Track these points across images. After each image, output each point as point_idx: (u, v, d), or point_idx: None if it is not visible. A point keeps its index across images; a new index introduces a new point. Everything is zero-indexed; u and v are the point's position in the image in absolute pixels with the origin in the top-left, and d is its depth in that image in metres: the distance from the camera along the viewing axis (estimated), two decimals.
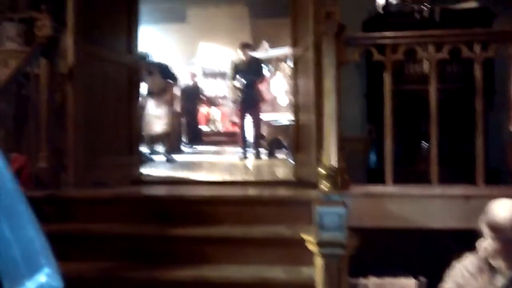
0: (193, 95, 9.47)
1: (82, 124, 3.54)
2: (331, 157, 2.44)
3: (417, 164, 4.07)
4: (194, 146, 9.38)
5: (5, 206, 0.92)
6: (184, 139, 9.83)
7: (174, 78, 7.08)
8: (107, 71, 3.86)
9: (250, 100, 7.10)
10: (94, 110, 3.67)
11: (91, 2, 3.64)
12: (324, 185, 2.35)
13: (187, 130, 9.61)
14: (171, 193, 3.59)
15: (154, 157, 6.87)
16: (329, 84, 2.68)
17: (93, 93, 3.67)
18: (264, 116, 7.57)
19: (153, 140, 6.94)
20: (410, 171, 3.82)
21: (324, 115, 2.67)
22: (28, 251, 0.92)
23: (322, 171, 2.38)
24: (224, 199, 3.18)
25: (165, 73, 6.86)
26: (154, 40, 7.02)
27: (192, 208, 3.07)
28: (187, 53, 11.90)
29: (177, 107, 9.33)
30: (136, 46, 4.19)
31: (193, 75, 10.02)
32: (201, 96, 10.21)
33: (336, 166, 2.39)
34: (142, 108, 6.62)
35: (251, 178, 4.61)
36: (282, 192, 3.50)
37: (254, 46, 8.15)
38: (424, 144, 3.97)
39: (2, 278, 0.90)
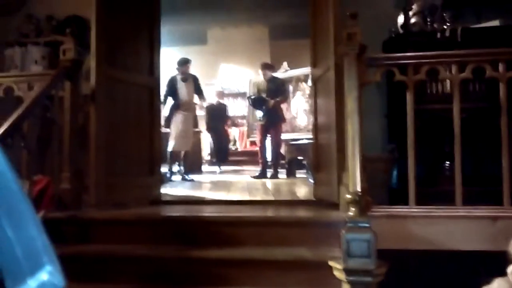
0: (219, 114, 9.19)
1: (103, 145, 3.57)
2: (355, 179, 2.40)
3: (440, 184, 3.98)
4: (220, 166, 8.96)
5: (7, 205, 0.93)
6: (211, 158, 9.77)
7: (203, 95, 7.22)
8: (129, 92, 3.90)
9: (271, 120, 7.14)
10: (115, 131, 3.71)
11: (113, 25, 3.70)
12: (351, 211, 2.31)
13: (214, 149, 9.50)
14: (191, 214, 3.57)
15: (174, 177, 6.90)
16: (351, 105, 2.66)
17: (115, 115, 3.72)
18: (283, 136, 7.57)
19: (173, 158, 6.98)
20: (433, 191, 3.74)
21: (345, 135, 2.64)
22: (30, 249, 0.93)
23: (348, 196, 2.34)
24: (245, 220, 3.15)
25: (196, 86, 7.03)
26: (175, 61, 7.10)
27: (212, 229, 3.05)
28: (208, 74, 12.01)
29: (200, 126, 9.36)
30: (157, 68, 4.24)
31: (220, 94, 9.91)
32: (227, 115, 9.84)
33: (360, 189, 2.35)
34: (167, 123, 6.73)
35: (271, 197, 4.58)
36: (303, 213, 3.46)
37: (274, 67, 8.18)
38: (447, 164, 3.90)
39: (4, 276, 0.91)
